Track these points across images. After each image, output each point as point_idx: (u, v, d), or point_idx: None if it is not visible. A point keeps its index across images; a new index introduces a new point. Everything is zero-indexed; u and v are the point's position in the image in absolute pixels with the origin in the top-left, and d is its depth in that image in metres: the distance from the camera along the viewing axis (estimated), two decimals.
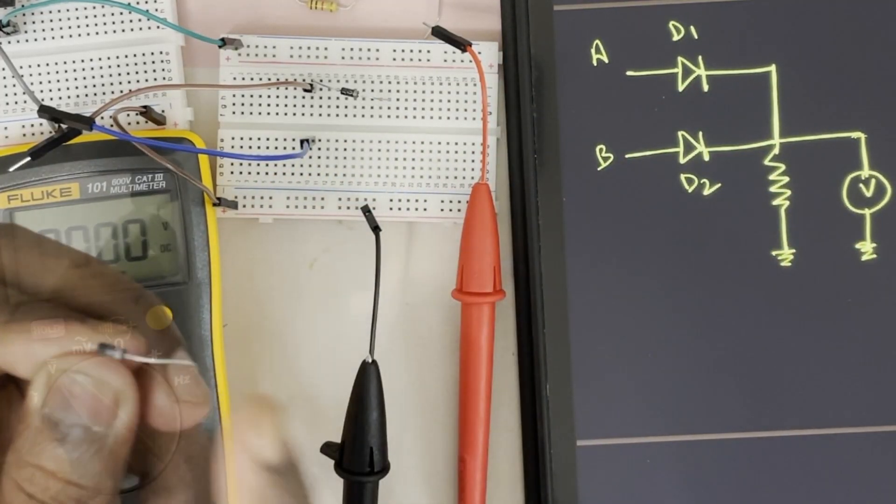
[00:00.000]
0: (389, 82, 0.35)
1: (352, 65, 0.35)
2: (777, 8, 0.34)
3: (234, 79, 0.35)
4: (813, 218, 0.34)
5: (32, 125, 0.34)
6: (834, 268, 0.33)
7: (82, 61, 0.34)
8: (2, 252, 0.23)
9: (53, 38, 0.34)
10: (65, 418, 0.21)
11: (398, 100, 0.35)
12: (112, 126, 0.32)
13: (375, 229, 0.33)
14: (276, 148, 0.35)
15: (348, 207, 0.35)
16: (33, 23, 0.34)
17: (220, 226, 0.34)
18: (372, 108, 0.35)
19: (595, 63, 0.34)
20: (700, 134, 0.34)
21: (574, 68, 0.34)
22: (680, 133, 0.34)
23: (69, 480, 0.21)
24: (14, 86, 0.34)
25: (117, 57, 0.34)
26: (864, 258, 0.34)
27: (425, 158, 0.35)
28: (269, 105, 0.35)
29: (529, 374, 0.34)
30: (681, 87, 0.34)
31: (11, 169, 0.31)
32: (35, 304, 0.23)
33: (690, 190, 0.34)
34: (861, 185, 0.34)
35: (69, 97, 0.34)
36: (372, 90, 0.35)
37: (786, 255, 0.33)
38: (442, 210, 0.35)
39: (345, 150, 0.35)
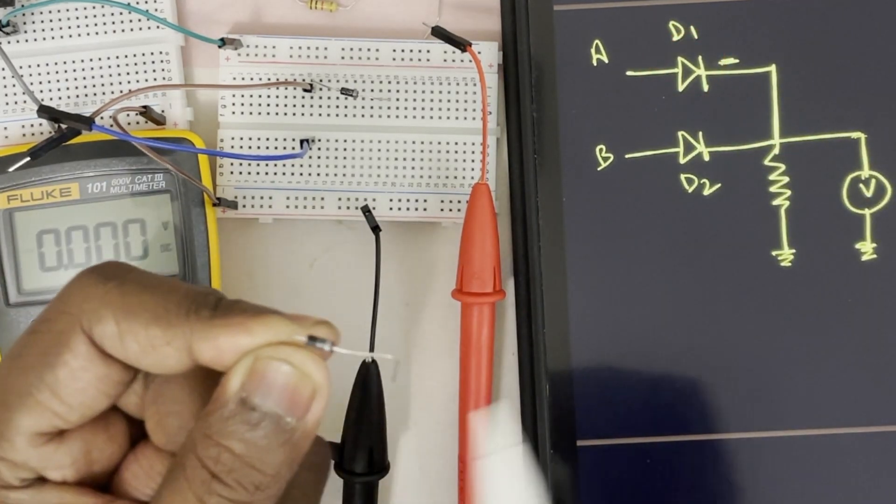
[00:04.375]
0: (389, 82, 0.35)
1: (352, 65, 0.35)
2: (777, 8, 0.34)
3: (234, 79, 0.35)
4: (813, 218, 0.34)
5: (32, 125, 0.34)
6: (834, 268, 0.33)
7: (82, 61, 0.34)
8: None
9: (53, 38, 0.34)
10: (261, 404, 0.21)
11: (398, 100, 0.35)
12: (112, 126, 0.32)
13: (375, 229, 0.33)
14: (276, 148, 0.35)
15: (348, 207, 0.35)
16: (33, 23, 0.34)
17: (220, 226, 0.34)
18: (372, 108, 0.35)
19: (595, 63, 0.34)
20: (700, 134, 0.34)
21: (574, 68, 0.34)
22: (680, 133, 0.34)
23: (253, 465, 0.21)
24: (14, 86, 0.34)
25: (117, 57, 0.34)
26: (864, 258, 0.34)
27: (425, 158, 0.35)
28: (269, 105, 0.35)
29: (529, 374, 0.34)
30: (681, 87, 0.34)
31: (11, 169, 0.31)
32: (234, 300, 0.23)
33: (690, 190, 0.34)
34: (861, 185, 0.34)
35: (69, 97, 0.34)
36: (372, 90, 0.35)
37: (786, 255, 0.33)
38: (442, 210, 0.35)
39: (345, 150, 0.35)
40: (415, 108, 0.35)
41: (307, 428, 0.22)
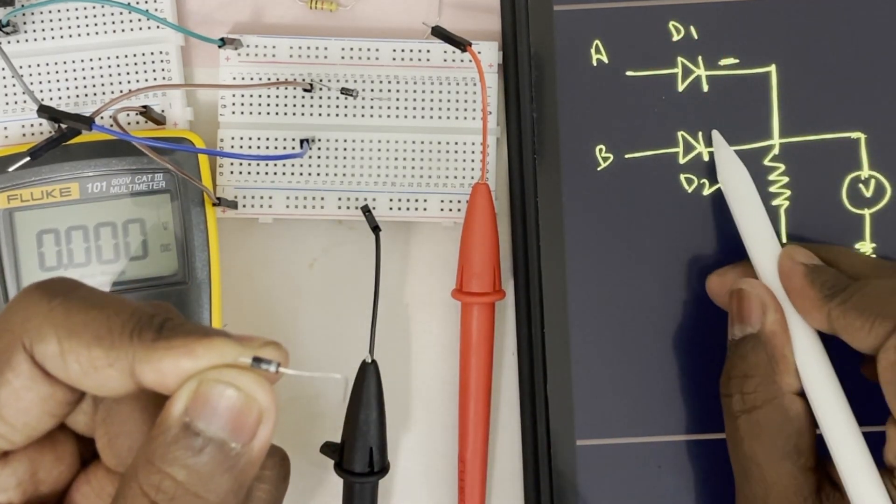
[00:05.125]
0: (389, 82, 0.35)
1: (352, 65, 0.35)
2: (777, 8, 0.34)
3: (234, 79, 0.35)
4: (813, 218, 0.34)
5: (32, 125, 0.34)
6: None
7: (82, 61, 0.34)
8: None
9: (53, 38, 0.34)
10: (205, 429, 0.20)
11: (398, 100, 0.35)
12: (112, 126, 0.32)
13: (375, 229, 0.33)
14: (276, 148, 0.35)
15: (348, 207, 0.35)
16: (33, 23, 0.34)
17: (220, 226, 0.34)
18: (372, 108, 0.35)
19: (595, 63, 0.34)
20: (700, 134, 0.34)
21: (574, 68, 0.34)
22: (680, 133, 0.34)
23: (197, 493, 0.20)
24: (14, 86, 0.34)
25: (117, 57, 0.34)
26: None
27: (425, 158, 0.35)
28: (268, 105, 0.35)
29: (529, 374, 0.34)
30: (681, 87, 0.34)
31: (11, 169, 0.31)
32: (181, 322, 0.22)
33: (690, 190, 0.34)
34: (861, 186, 0.34)
35: (69, 97, 0.34)
36: (372, 90, 0.35)
37: None
38: (442, 210, 0.35)
39: (345, 150, 0.35)
40: (415, 108, 0.35)
41: (253, 454, 0.21)
